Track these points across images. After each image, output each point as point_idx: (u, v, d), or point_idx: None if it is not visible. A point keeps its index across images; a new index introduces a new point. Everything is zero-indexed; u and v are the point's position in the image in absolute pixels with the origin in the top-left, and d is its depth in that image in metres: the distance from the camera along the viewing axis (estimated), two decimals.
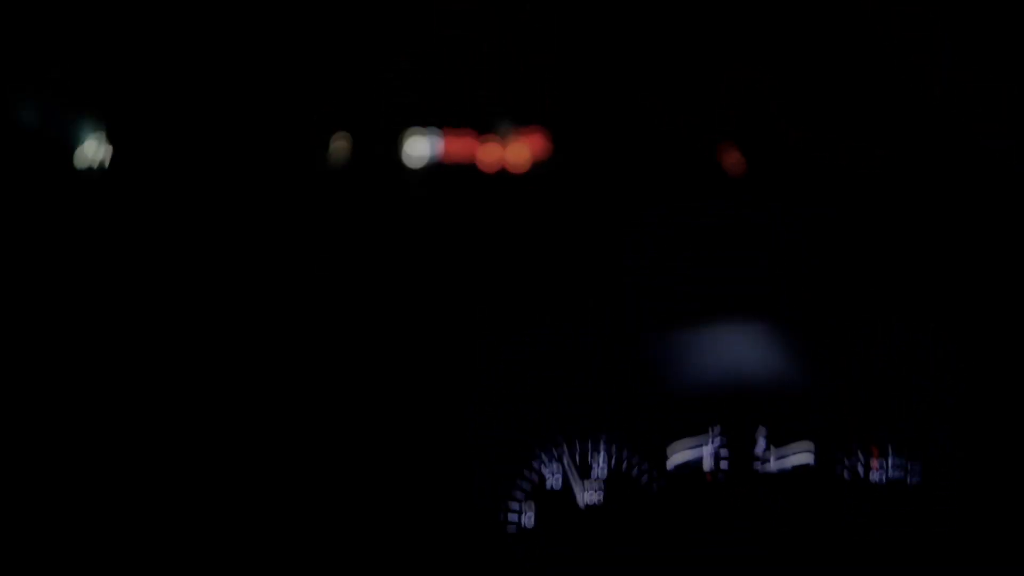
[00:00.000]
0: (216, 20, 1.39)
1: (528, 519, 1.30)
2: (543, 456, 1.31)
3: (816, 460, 1.32)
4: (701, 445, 1.32)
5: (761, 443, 1.33)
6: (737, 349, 1.33)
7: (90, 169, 1.38)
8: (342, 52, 1.47)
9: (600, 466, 1.31)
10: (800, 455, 1.33)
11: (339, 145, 1.45)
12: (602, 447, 1.31)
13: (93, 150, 1.38)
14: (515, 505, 1.30)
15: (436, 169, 1.47)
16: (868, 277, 1.42)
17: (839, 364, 1.36)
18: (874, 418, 1.34)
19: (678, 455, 1.32)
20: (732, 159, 1.48)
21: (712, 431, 1.33)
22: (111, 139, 1.38)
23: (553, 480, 1.31)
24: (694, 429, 1.33)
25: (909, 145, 1.48)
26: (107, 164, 1.37)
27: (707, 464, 1.32)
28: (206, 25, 1.38)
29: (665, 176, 1.48)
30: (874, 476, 1.33)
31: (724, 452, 1.33)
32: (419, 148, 1.47)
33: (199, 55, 1.39)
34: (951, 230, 1.44)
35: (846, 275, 1.42)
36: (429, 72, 1.50)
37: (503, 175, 1.48)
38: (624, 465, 1.31)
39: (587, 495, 1.30)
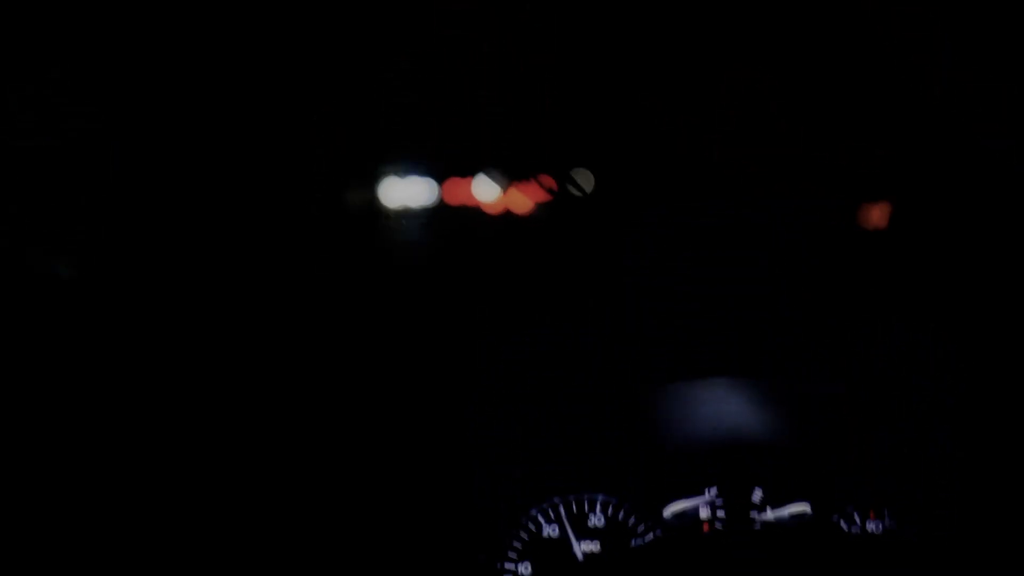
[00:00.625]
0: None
1: (525, 568, 1.31)
2: (540, 506, 1.32)
3: (813, 511, 1.33)
4: (698, 496, 1.33)
5: (758, 493, 1.34)
6: (733, 405, 1.33)
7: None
8: (353, 96, 1.48)
9: (597, 516, 1.32)
10: (797, 506, 1.34)
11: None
12: (599, 498, 1.32)
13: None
14: (512, 554, 1.31)
15: (442, 212, 1.50)
16: (867, 302, 1.42)
17: (835, 420, 1.36)
18: (871, 473, 1.35)
19: (674, 506, 1.33)
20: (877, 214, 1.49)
21: (709, 483, 1.33)
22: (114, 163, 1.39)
23: (550, 530, 1.32)
24: (691, 481, 1.34)
25: (909, 145, 1.48)
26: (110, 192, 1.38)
27: (703, 514, 1.33)
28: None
29: (664, 201, 1.48)
30: (871, 526, 1.34)
31: (720, 502, 1.34)
32: (426, 192, 1.49)
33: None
34: (951, 233, 1.44)
35: (844, 298, 1.42)
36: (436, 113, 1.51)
37: (507, 217, 1.51)
38: (620, 515, 1.32)
39: (584, 545, 1.31)
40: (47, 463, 1.23)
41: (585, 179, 1.46)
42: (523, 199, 1.50)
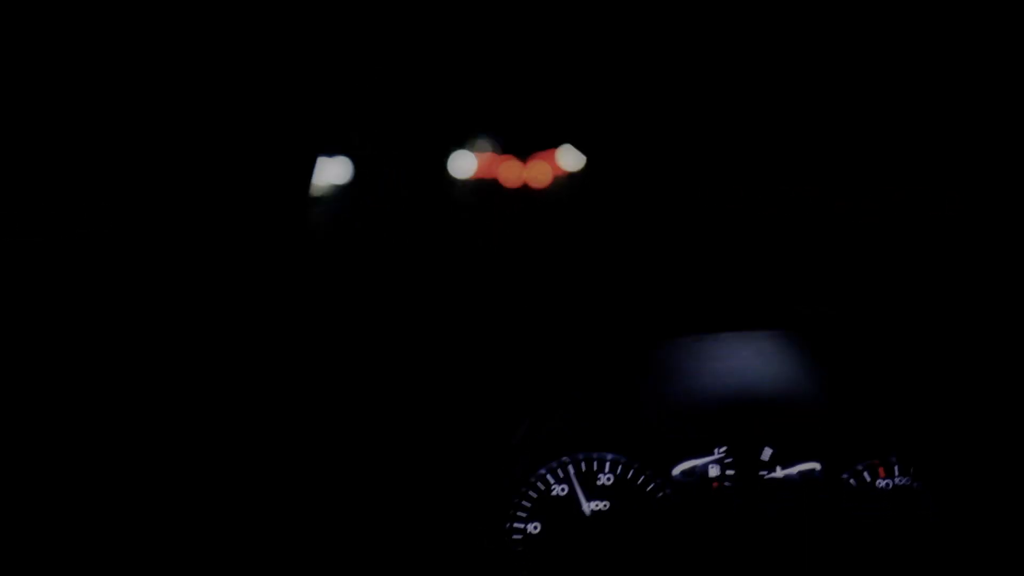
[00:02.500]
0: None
1: (534, 527, 1.31)
2: (549, 466, 1.33)
3: (823, 469, 1.33)
4: (707, 455, 1.33)
5: (767, 452, 1.34)
6: (744, 362, 1.33)
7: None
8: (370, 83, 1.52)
9: (606, 475, 1.32)
10: (807, 464, 1.33)
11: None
12: (608, 457, 1.33)
13: None
14: (521, 514, 1.31)
15: (461, 185, 1.53)
16: (870, 284, 1.42)
17: (845, 376, 1.36)
18: (880, 429, 1.34)
19: (683, 464, 1.33)
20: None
21: (718, 442, 1.34)
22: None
23: (559, 489, 1.32)
24: (700, 439, 1.34)
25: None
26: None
27: (712, 473, 1.33)
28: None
29: (677, 189, 1.50)
30: (880, 483, 1.33)
31: (729, 460, 1.33)
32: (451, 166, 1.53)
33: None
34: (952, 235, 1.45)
35: (849, 279, 1.43)
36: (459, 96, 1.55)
37: (525, 191, 1.53)
38: (630, 474, 1.32)
39: (593, 504, 1.32)
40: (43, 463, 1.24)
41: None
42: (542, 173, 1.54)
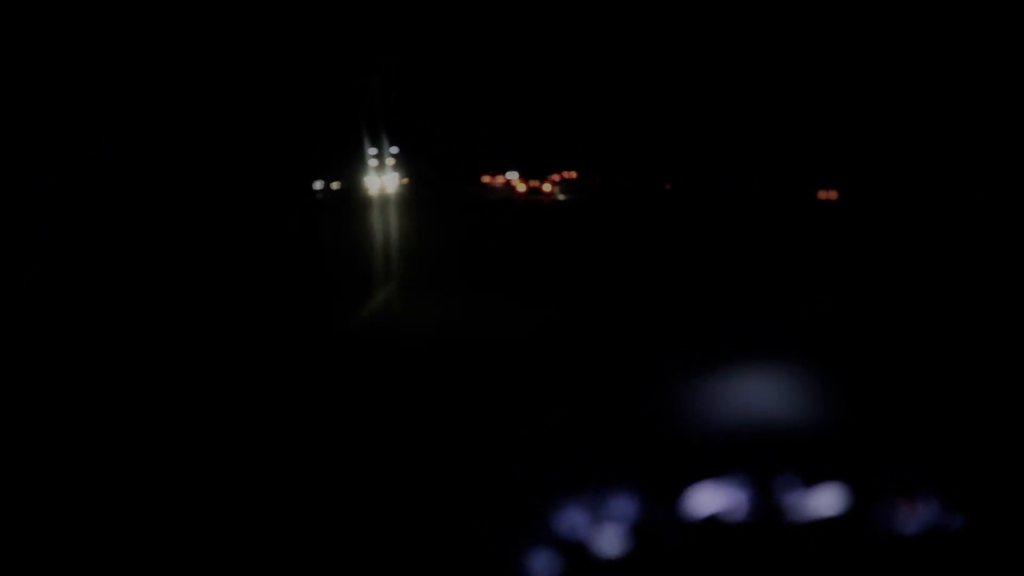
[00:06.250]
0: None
1: (551, 566, 1.28)
2: (565, 504, 1.30)
3: (849, 507, 1.30)
4: (728, 488, 1.31)
5: (790, 485, 1.32)
6: (767, 390, 1.31)
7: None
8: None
9: (626, 510, 1.30)
10: (832, 497, 1.31)
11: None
12: (627, 493, 1.31)
13: None
14: (538, 552, 1.29)
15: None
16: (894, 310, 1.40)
17: (872, 407, 1.34)
18: (909, 461, 1.33)
19: (704, 498, 1.31)
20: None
21: (739, 475, 1.32)
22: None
23: (575, 527, 1.30)
24: (721, 473, 1.32)
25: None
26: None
27: (734, 507, 1.31)
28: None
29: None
30: (907, 517, 1.31)
31: (752, 494, 1.31)
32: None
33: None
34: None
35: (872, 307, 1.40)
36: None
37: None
38: (649, 509, 1.30)
39: (611, 541, 1.29)
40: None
41: None
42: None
